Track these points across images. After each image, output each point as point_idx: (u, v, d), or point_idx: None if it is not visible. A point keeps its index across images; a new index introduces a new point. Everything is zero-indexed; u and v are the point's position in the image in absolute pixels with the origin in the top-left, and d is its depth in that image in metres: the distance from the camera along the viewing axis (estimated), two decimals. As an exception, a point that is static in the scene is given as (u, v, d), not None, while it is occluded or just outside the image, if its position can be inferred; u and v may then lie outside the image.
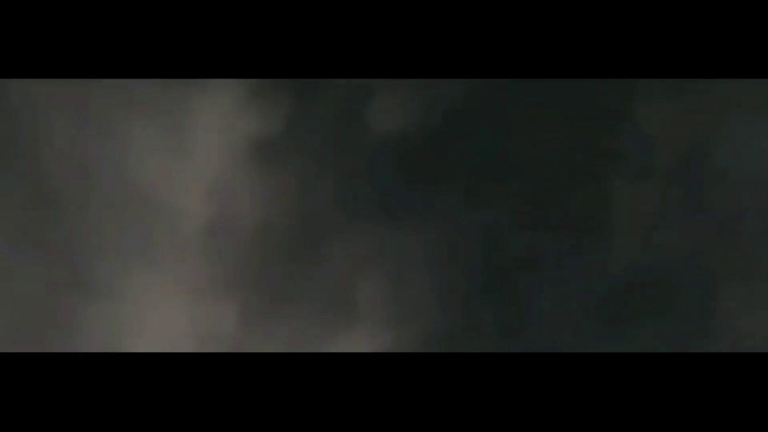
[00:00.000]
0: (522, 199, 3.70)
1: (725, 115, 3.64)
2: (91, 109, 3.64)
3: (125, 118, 3.65)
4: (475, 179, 3.71)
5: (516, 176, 3.71)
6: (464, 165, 3.71)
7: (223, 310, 3.64)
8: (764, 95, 3.61)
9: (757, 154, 3.64)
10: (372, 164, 3.72)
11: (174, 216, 3.66)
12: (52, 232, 3.62)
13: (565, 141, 3.67)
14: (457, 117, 3.70)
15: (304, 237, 3.69)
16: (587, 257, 3.65)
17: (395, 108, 3.69)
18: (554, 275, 3.65)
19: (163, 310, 3.63)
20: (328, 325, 3.64)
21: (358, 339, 3.62)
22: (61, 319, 3.58)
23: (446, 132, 3.71)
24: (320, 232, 3.69)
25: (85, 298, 3.60)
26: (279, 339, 3.62)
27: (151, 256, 3.65)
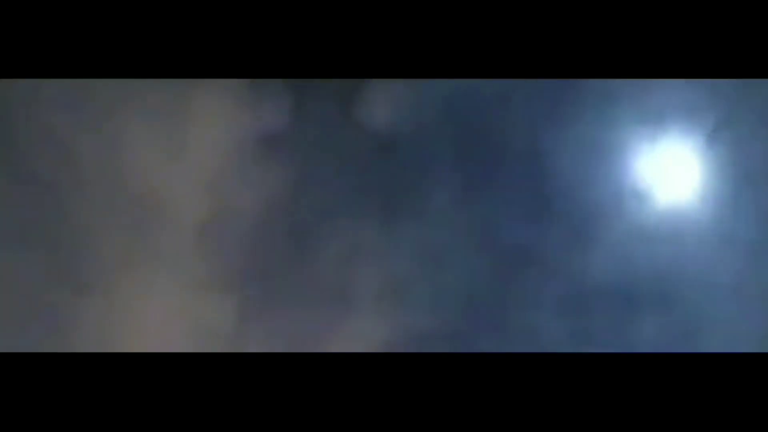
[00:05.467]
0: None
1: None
2: (90, 108, 3.64)
3: (123, 116, 3.65)
4: (470, 175, 3.73)
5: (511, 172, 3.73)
6: (460, 161, 3.73)
7: (221, 308, 3.65)
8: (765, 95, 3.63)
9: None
10: (370, 161, 3.73)
11: (172, 214, 3.67)
12: (51, 231, 3.62)
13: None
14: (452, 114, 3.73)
15: (303, 235, 3.70)
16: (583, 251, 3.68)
17: (391, 106, 3.71)
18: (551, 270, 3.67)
19: (161, 310, 3.64)
20: (328, 322, 3.65)
21: (356, 335, 3.63)
22: (59, 319, 3.58)
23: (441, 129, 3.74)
24: (318, 230, 3.70)
25: (81, 297, 3.60)
26: (278, 337, 3.63)
27: (149, 254, 3.65)
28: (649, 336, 3.63)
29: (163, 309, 3.64)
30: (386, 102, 3.71)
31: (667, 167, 3.73)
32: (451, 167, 3.74)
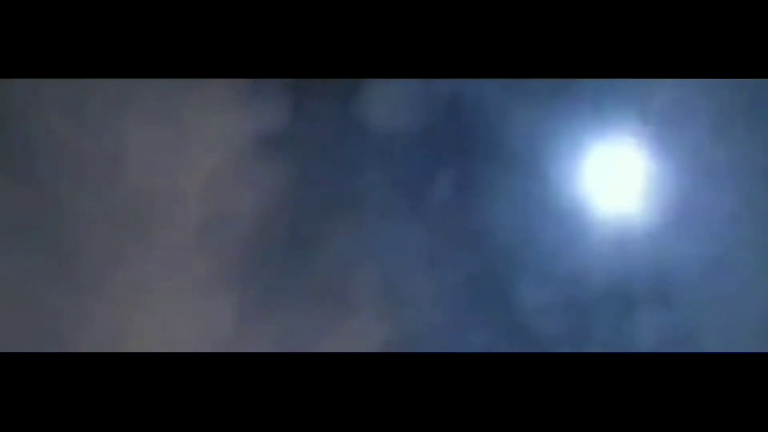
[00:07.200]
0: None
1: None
2: (90, 108, 3.64)
3: (123, 116, 3.65)
4: (470, 174, 3.73)
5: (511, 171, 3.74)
6: (460, 160, 3.74)
7: (221, 308, 3.65)
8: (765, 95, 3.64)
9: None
10: (370, 161, 3.73)
11: (172, 214, 3.67)
12: (50, 231, 3.62)
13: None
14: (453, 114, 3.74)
15: (301, 235, 3.70)
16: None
17: (391, 106, 3.71)
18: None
19: (160, 309, 3.63)
20: (328, 322, 3.65)
21: (356, 335, 3.63)
22: (59, 319, 3.58)
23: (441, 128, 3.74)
24: (318, 230, 3.70)
25: (81, 296, 3.60)
26: (278, 337, 3.63)
27: (149, 254, 3.65)
28: (646, 335, 3.64)
29: (163, 309, 3.63)
30: (386, 102, 3.71)
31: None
32: (450, 167, 3.75)
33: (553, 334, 3.65)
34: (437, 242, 3.73)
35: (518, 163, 3.74)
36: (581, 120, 3.71)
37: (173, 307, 3.63)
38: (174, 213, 3.68)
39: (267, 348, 3.58)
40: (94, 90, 3.62)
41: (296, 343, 3.61)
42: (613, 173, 3.73)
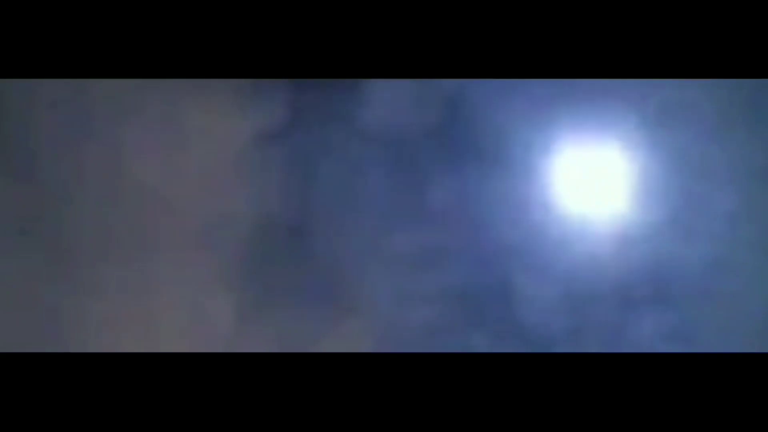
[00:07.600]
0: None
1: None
2: (90, 108, 3.64)
3: (123, 116, 3.65)
4: (470, 174, 3.73)
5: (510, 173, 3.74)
6: (460, 161, 3.73)
7: (221, 308, 3.65)
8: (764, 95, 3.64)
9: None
10: (369, 161, 3.73)
11: (172, 214, 3.67)
12: (51, 231, 3.62)
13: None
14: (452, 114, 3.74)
15: (301, 235, 3.70)
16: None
17: (391, 106, 3.71)
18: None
19: (160, 309, 3.63)
20: (328, 322, 3.65)
21: (356, 335, 3.63)
22: (59, 319, 3.58)
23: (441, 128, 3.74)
24: (317, 230, 3.70)
25: (81, 296, 3.60)
26: (277, 337, 3.63)
27: (148, 254, 3.65)
28: (645, 335, 3.64)
29: (163, 309, 3.63)
30: (386, 102, 3.71)
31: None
32: (450, 167, 3.75)
33: (552, 334, 3.65)
34: (437, 242, 3.73)
35: (518, 164, 3.74)
36: (580, 120, 3.71)
37: (173, 307, 3.63)
38: (174, 213, 3.68)
39: (267, 348, 3.58)
40: (94, 90, 3.62)
41: (296, 343, 3.61)
42: (613, 173, 3.73)
